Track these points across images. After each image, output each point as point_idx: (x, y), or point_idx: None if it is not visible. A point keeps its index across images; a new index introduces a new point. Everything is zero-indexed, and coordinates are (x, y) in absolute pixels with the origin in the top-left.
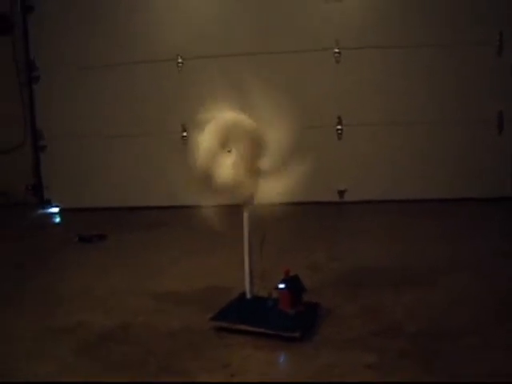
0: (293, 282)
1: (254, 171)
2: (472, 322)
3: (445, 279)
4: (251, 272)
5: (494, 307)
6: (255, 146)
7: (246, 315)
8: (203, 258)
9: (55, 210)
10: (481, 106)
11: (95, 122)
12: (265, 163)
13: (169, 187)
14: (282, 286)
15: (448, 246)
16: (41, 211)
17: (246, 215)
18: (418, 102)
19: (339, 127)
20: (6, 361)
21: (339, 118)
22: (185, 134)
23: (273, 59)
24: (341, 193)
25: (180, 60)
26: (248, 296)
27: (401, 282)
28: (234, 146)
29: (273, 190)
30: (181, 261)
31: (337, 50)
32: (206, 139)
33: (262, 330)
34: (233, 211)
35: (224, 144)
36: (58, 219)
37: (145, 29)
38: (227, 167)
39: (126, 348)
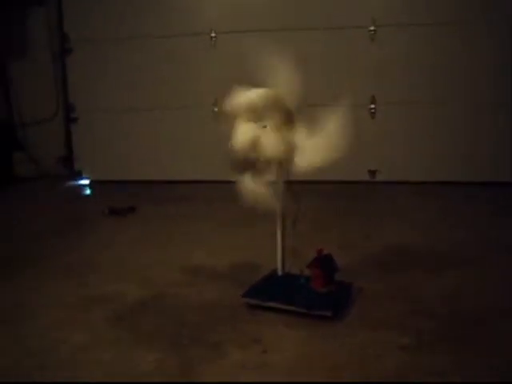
0: (325, 260)
1: (290, 145)
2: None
3: (479, 262)
4: (283, 249)
5: None
6: (289, 119)
7: (277, 292)
8: (235, 233)
9: (85, 181)
10: None
11: (127, 96)
12: (299, 137)
13: (200, 162)
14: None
15: (482, 231)
16: (71, 183)
17: (280, 190)
18: (454, 82)
19: (373, 106)
20: (37, 327)
21: (373, 96)
22: (216, 109)
23: (307, 35)
24: (372, 172)
25: (213, 34)
26: (279, 273)
27: (434, 264)
28: (269, 121)
29: (307, 165)
30: (212, 235)
31: (372, 28)
32: (241, 126)
33: (293, 308)
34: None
35: (259, 120)
36: (88, 191)
37: (179, 3)
38: (270, 144)
39: (158, 319)
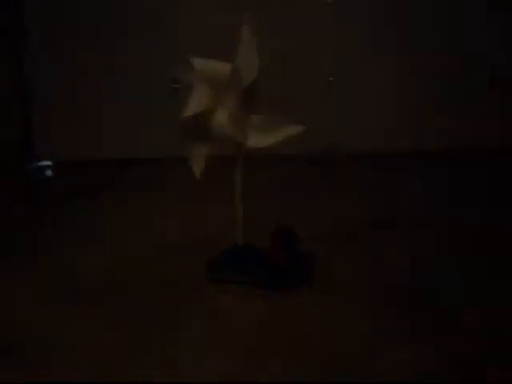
0: (285, 232)
1: (246, 121)
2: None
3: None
4: (242, 221)
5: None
6: (246, 96)
7: (238, 265)
8: (196, 209)
9: (47, 163)
10: None
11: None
12: (257, 114)
13: (159, 138)
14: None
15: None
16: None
17: (238, 166)
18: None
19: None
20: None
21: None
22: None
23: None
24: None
25: None
26: (240, 244)
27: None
28: (226, 96)
29: (264, 140)
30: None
31: None
32: (196, 93)
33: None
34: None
35: (214, 95)
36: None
37: None
38: (222, 117)
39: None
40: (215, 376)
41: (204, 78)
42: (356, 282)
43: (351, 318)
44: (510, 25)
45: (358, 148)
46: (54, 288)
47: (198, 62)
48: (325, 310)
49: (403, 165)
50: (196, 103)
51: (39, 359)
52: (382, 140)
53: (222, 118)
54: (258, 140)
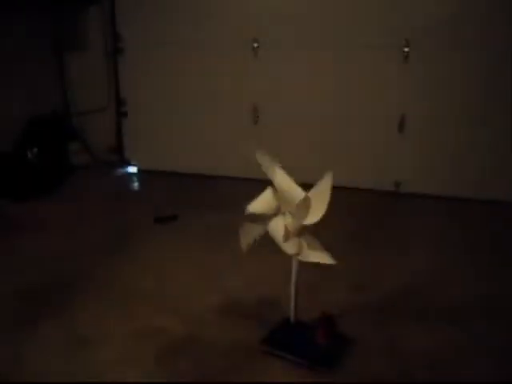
0: (328, 320)
1: (302, 231)
2: None
3: None
4: (296, 298)
5: None
6: (303, 210)
7: (287, 343)
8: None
9: (133, 169)
10: None
11: (173, 94)
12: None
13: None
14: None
15: None
16: (121, 171)
17: (294, 265)
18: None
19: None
20: None
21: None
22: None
23: (345, 55)
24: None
25: (256, 45)
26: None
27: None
28: (286, 209)
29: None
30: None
31: (406, 50)
32: (265, 196)
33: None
34: None
35: (277, 207)
36: (136, 183)
37: (225, 11)
38: (279, 224)
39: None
40: None
41: (277, 189)
42: None
43: None
44: None
45: None
46: None
47: (280, 175)
48: None
49: None
50: (258, 206)
51: None
52: None
53: (278, 225)
54: (303, 255)
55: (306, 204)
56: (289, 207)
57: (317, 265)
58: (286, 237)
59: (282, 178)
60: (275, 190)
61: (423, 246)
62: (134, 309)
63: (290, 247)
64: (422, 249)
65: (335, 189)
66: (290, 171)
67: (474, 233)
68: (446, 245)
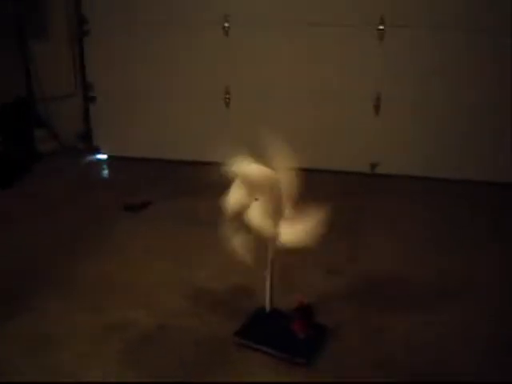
0: (305, 310)
1: (278, 218)
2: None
3: None
4: (272, 286)
5: None
6: (278, 197)
7: (262, 334)
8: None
9: (103, 156)
10: None
11: (142, 78)
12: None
13: (210, 144)
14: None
15: None
16: (90, 158)
17: (270, 253)
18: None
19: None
20: None
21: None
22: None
23: (316, 31)
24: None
25: (227, 24)
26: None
27: None
28: (260, 196)
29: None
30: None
31: (381, 27)
32: (235, 192)
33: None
34: None
35: (251, 195)
36: (105, 170)
37: None
38: (256, 215)
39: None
40: None
41: (243, 179)
42: None
43: None
44: None
45: None
46: None
47: (249, 169)
48: None
49: None
50: (233, 202)
51: None
52: None
53: (254, 212)
54: (288, 234)
55: (277, 183)
56: (263, 193)
57: (292, 250)
58: (263, 219)
59: (251, 170)
60: (244, 183)
61: (400, 228)
62: (102, 302)
63: (268, 230)
64: (397, 231)
65: (310, 171)
66: (262, 155)
67: (451, 213)
68: (422, 226)
